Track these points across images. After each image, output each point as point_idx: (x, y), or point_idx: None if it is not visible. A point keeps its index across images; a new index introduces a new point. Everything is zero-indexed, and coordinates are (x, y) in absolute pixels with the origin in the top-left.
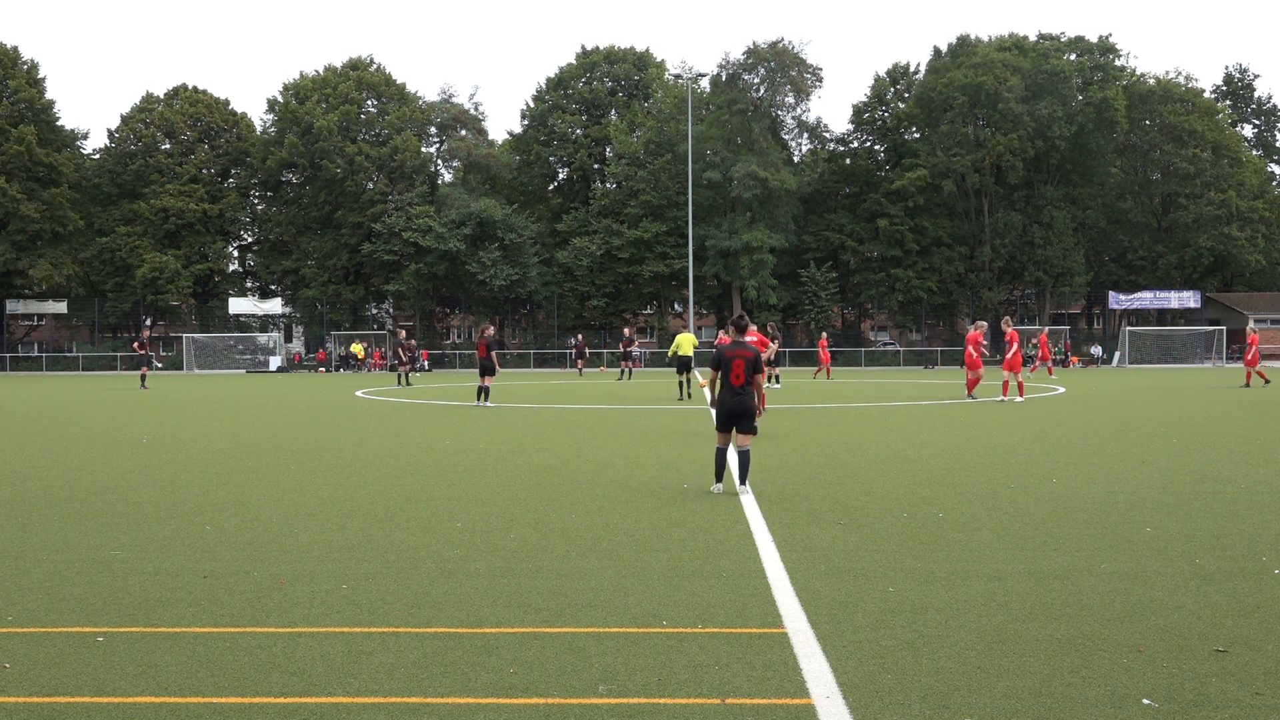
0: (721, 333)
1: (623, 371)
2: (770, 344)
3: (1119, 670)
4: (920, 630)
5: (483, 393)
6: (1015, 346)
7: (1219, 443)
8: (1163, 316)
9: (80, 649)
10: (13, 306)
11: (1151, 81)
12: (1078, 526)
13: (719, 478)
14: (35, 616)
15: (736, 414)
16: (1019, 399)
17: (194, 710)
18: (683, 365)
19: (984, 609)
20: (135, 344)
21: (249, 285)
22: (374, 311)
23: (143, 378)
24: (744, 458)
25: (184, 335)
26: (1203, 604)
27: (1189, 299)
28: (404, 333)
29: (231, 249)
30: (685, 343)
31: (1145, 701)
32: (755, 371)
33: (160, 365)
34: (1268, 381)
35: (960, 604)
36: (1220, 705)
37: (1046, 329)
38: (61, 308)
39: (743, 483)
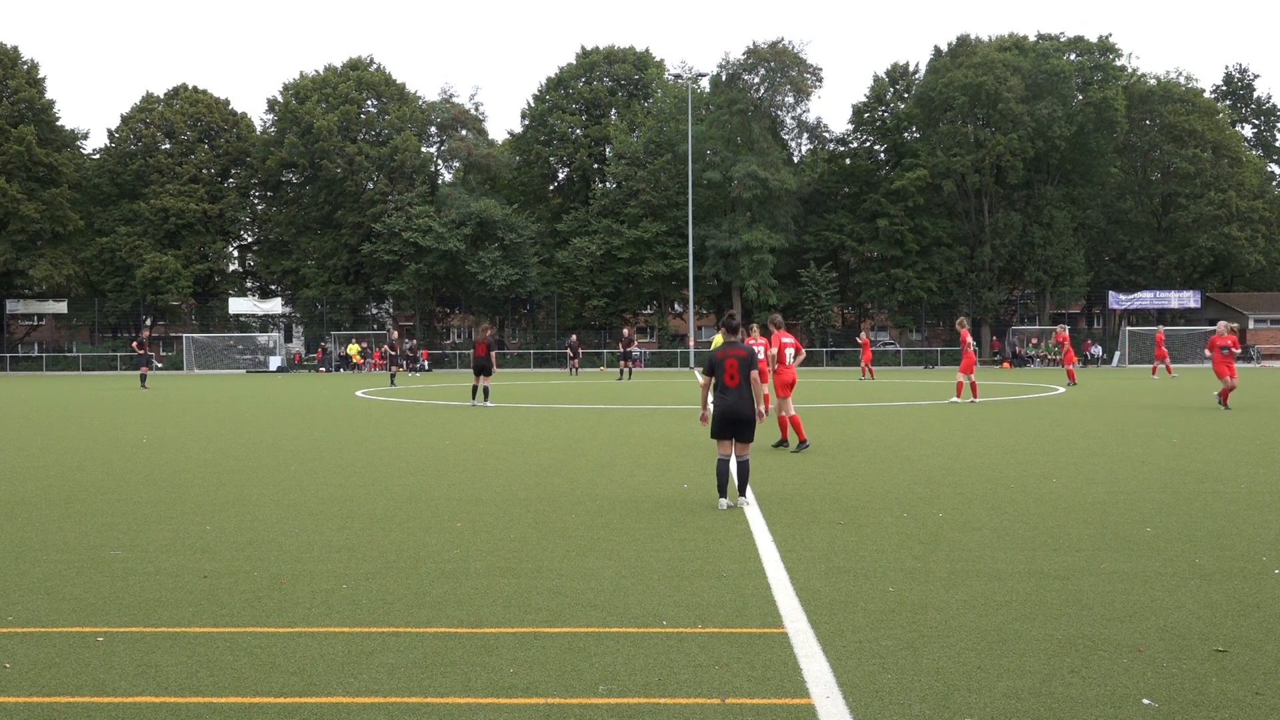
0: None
1: (622, 371)
2: (802, 350)
3: (1119, 670)
4: (920, 630)
5: (479, 392)
6: (969, 349)
7: (1219, 443)
8: (1163, 316)
9: (80, 649)
10: (13, 306)
11: (1151, 81)
12: (1078, 526)
13: (722, 491)
14: (35, 616)
15: (731, 419)
16: (975, 400)
17: (194, 710)
18: None
19: (984, 609)
20: (135, 344)
21: (249, 285)
22: (374, 311)
23: (143, 378)
24: (743, 468)
25: (184, 335)
26: (1203, 604)
27: (1189, 299)
28: (395, 333)
29: (231, 249)
30: None
31: (1145, 701)
32: (750, 369)
33: (160, 365)
34: None
35: (960, 604)
36: (1220, 705)
37: (1206, 328)
38: (61, 308)
39: (742, 494)
